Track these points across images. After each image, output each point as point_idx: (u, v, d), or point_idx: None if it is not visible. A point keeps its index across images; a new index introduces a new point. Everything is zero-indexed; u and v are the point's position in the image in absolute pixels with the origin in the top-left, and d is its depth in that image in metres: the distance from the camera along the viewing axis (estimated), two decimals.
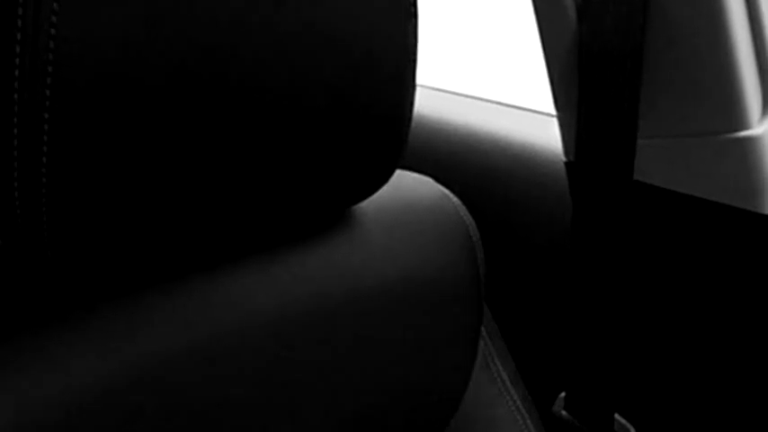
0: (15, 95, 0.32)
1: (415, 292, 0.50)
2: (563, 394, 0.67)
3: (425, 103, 0.87)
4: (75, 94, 0.33)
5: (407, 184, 0.54)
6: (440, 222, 0.53)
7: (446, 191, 0.56)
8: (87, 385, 0.38)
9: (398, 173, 0.55)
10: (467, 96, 0.90)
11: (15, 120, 0.33)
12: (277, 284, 0.45)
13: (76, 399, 0.37)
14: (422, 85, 0.93)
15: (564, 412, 0.67)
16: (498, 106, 0.85)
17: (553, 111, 0.65)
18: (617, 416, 0.66)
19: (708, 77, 0.54)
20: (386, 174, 0.47)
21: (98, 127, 0.34)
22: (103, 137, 0.34)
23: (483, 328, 0.57)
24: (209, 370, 0.41)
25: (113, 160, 0.35)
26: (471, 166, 0.80)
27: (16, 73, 0.32)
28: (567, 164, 0.66)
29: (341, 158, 0.43)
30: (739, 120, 0.54)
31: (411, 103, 0.45)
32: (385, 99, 0.43)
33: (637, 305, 0.65)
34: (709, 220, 0.58)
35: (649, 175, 0.60)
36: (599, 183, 0.59)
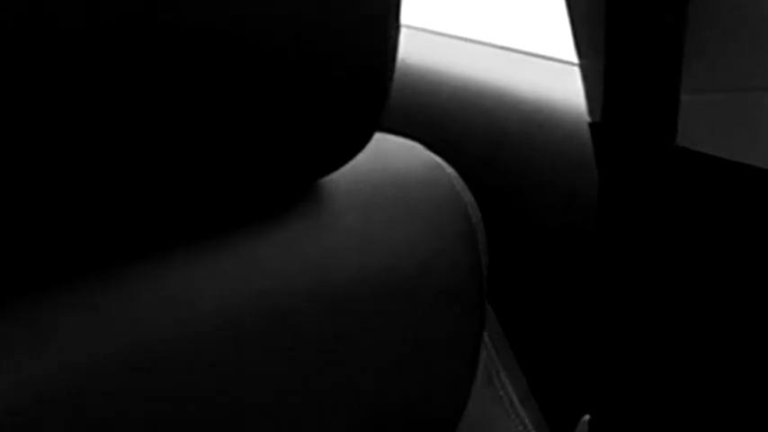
0: None
1: (399, 286, 0.50)
2: (586, 417, 0.68)
3: (412, 48, 0.87)
4: None
5: (390, 151, 0.54)
6: (431, 199, 0.53)
7: (438, 159, 0.56)
8: None
9: (378, 136, 0.55)
10: (464, 39, 0.90)
11: None
12: (225, 279, 0.45)
13: None
14: (407, 26, 0.93)
15: None
16: (505, 52, 0.85)
17: (575, 58, 0.65)
18: None
19: None
20: (363, 137, 0.47)
21: None
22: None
23: (485, 334, 0.58)
24: (139, 385, 0.41)
25: (10, 119, 0.34)
26: (470, 127, 0.80)
27: None
28: (591, 125, 0.66)
29: (306, 118, 0.43)
30: None
31: (394, 48, 0.45)
32: (361, 42, 0.43)
33: (680, 303, 0.65)
34: None
35: (695, 140, 0.61)
36: (632, 149, 0.60)
